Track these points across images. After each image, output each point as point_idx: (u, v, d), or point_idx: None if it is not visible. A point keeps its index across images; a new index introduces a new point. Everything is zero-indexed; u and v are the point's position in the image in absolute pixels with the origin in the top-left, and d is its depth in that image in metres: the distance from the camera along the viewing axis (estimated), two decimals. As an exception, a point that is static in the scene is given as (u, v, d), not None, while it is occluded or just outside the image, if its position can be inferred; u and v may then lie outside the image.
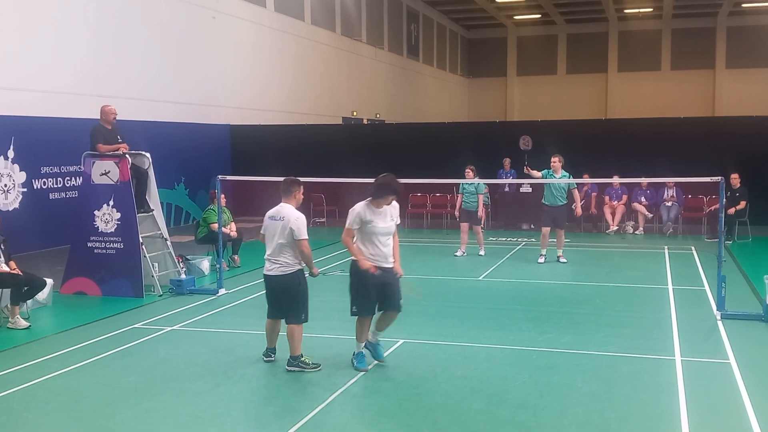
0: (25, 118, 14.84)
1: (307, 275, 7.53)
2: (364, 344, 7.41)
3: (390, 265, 7.27)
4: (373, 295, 7.24)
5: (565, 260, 13.59)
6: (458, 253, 14.25)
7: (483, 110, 46.01)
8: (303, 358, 7.32)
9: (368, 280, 7.11)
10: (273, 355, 7.62)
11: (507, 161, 19.34)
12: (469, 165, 14.12)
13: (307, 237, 7.36)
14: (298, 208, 7.54)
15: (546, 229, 13.54)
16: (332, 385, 6.81)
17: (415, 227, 19.00)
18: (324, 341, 8.41)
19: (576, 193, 13.86)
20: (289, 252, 7.30)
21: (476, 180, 13.90)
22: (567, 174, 13.52)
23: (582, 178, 15.78)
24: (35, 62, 15.33)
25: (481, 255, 14.16)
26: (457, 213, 14.68)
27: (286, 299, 7.39)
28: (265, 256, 7.41)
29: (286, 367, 7.30)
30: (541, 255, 13.56)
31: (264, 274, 7.45)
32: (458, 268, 13.15)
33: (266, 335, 7.66)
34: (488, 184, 17.32)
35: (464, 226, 14.29)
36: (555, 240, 13.65)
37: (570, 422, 5.95)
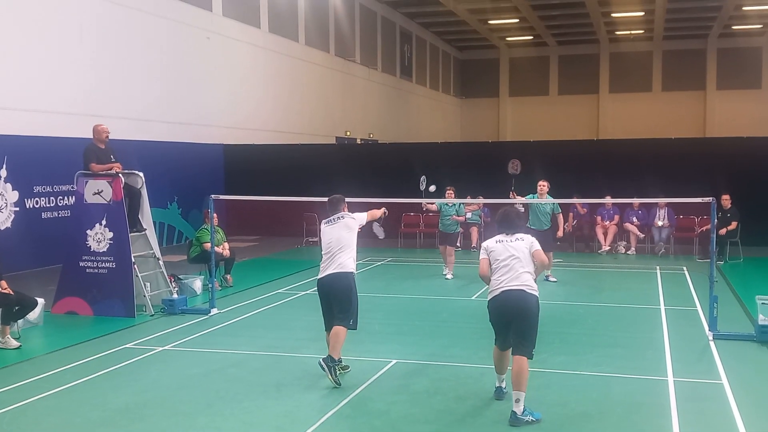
0: (18, 138, 14.83)
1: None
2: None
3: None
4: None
5: (554, 279, 13.56)
6: (449, 276, 13.99)
7: (475, 130, 46.22)
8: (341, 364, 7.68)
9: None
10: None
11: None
12: (449, 186, 13.99)
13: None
14: None
15: None
16: (324, 406, 6.79)
17: (408, 247, 19.01)
18: (316, 361, 8.37)
19: (560, 218, 13.61)
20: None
21: (457, 201, 13.89)
22: (550, 197, 13.43)
23: (572, 198, 15.83)
24: (28, 82, 15.35)
25: (448, 278, 13.93)
26: (425, 206, 14.43)
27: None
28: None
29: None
30: None
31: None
32: (450, 288, 13.15)
33: None
34: (487, 204, 17.39)
35: (442, 249, 14.24)
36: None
37: (563, 443, 5.94)
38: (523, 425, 6.28)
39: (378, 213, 8.49)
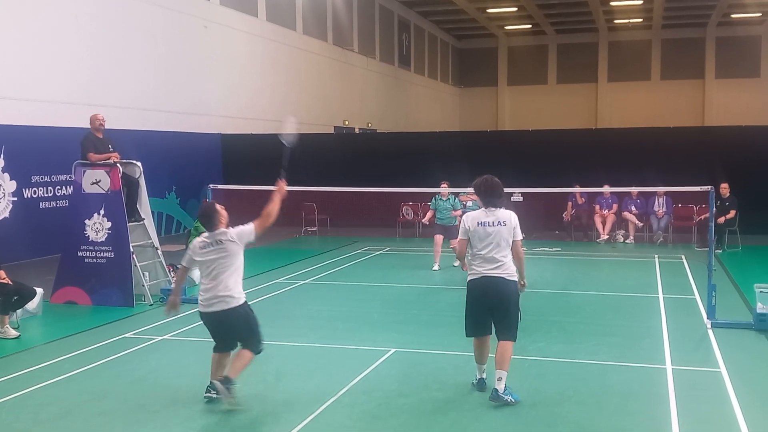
0: (16, 127, 14.80)
1: None
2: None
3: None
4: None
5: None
6: (435, 268, 13.73)
7: (474, 119, 46.18)
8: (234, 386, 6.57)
9: None
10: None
11: None
12: (444, 180, 13.74)
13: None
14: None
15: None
16: (323, 395, 6.80)
17: (406, 236, 19.01)
18: (315, 350, 8.40)
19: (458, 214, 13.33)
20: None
21: (451, 195, 13.68)
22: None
23: (573, 187, 15.83)
24: (26, 71, 15.30)
25: (456, 265, 13.75)
26: (426, 221, 14.35)
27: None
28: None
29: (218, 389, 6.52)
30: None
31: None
32: (449, 277, 13.16)
33: None
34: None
35: (438, 238, 13.87)
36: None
37: (561, 431, 5.95)
38: (502, 403, 6.43)
39: (274, 208, 7.07)
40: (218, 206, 6.88)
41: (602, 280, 13.15)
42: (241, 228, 6.76)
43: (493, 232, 6.58)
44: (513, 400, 6.49)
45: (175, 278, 6.76)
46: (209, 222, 6.72)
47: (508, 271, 6.61)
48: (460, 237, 6.79)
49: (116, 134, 12.59)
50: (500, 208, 6.71)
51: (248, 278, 12.90)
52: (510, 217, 6.66)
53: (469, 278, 6.77)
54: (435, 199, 13.94)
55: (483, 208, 6.73)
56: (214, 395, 6.55)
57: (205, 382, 7.21)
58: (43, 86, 15.68)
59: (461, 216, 14.78)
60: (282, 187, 7.24)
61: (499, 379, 6.49)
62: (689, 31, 42.58)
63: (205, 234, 6.75)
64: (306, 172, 20.04)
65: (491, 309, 6.66)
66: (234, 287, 6.56)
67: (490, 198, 6.71)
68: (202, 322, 6.75)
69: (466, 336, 6.88)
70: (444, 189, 13.56)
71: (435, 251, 13.92)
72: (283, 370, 7.64)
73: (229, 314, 6.51)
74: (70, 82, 16.37)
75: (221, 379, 6.50)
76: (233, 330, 6.63)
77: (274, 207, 6.93)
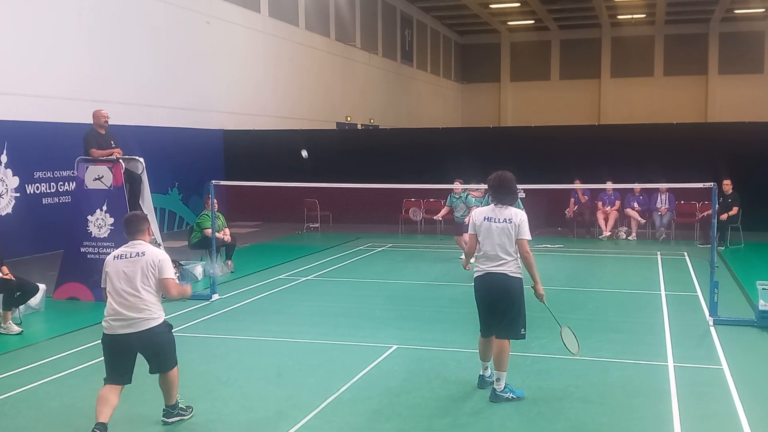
0: (18, 123, 14.80)
1: None
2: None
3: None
4: None
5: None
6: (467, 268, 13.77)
7: (476, 116, 46.14)
8: (181, 405, 6.22)
9: None
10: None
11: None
12: (458, 178, 13.68)
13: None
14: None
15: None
16: (325, 391, 6.80)
17: (408, 232, 19.01)
18: (317, 346, 8.41)
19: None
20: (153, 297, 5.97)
21: (463, 192, 13.71)
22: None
23: (574, 183, 15.81)
24: (29, 67, 15.30)
25: (462, 258, 13.85)
26: (439, 217, 14.49)
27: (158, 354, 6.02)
28: (115, 310, 5.88)
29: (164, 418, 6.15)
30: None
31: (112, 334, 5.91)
32: (451, 273, 13.15)
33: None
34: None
35: (460, 238, 13.63)
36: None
37: (563, 427, 5.96)
38: (503, 401, 6.44)
39: (184, 292, 6.34)
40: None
41: (605, 277, 13.14)
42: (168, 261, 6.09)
43: (497, 228, 6.52)
44: (514, 397, 6.50)
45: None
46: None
47: (512, 268, 6.56)
48: (469, 232, 6.79)
49: (118, 130, 12.59)
50: (511, 206, 6.65)
51: (250, 275, 13.00)
52: (516, 215, 6.58)
53: (474, 275, 6.76)
54: (450, 197, 14.12)
55: (493, 205, 6.70)
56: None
57: (206, 377, 7.23)
58: (45, 82, 15.68)
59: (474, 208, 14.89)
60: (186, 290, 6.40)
61: (498, 379, 6.51)
62: (692, 26, 42.48)
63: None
64: (308, 168, 20.14)
65: (494, 306, 6.63)
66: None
67: (499, 194, 6.65)
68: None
69: (480, 332, 6.86)
70: (457, 186, 13.61)
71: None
72: (285, 366, 7.64)
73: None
74: (73, 78, 16.37)
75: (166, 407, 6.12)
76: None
77: (180, 292, 6.17)
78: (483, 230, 6.59)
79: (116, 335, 5.84)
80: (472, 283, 6.83)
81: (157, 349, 5.95)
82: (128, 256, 5.94)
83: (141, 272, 5.86)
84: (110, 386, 5.88)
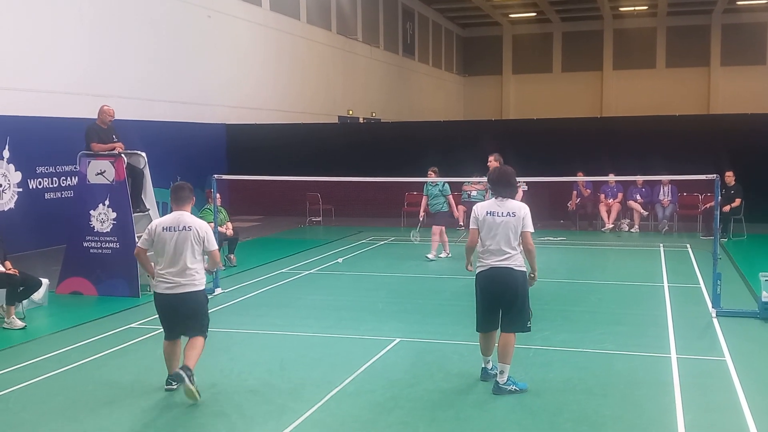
0: (21, 118, 14.81)
1: None
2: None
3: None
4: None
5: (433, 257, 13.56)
6: (430, 256, 13.60)
7: (478, 108, 46.07)
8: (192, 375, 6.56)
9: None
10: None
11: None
12: (432, 167, 13.67)
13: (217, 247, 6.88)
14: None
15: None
16: (328, 384, 6.81)
17: (411, 225, 18.99)
18: (320, 340, 8.42)
19: (519, 193, 12.26)
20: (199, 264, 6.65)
21: (439, 180, 13.51)
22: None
23: (576, 176, 15.80)
24: (30, 62, 15.30)
25: (430, 258, 13.60)
26: (422, 213, 14.21)
27: (192, 317, 6.69)
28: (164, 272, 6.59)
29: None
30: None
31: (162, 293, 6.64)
32: (454, 266, 13.16)
33: None
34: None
35: (435, 229, 13.72)
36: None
37: (566, 419, 5.96)
38: (505, 394, 6.45)
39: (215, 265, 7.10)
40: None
41: (607, 269, 13.14)
42: (210, 234, 6.74)
43: (501, 222, 6.49)
44: (517, 389, 6.51)
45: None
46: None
47: (516, 262, 6.55)
48: (471, 227, 6.73)
49: (120, 124, 12.58)
50: (511, 198, 6.65)
51: (253, 269, 13.01)
52: (520, 208, 6.56)
53: (477, 270, 6.72)
54: (426, 186, 13.93)
55: (494, 198, 6.67)
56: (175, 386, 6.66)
57: (210, 370, 7.25)
58: (47, 77, 15.68)
59: (462, 206, 14.81)
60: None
61: (501, 372, 6.53)
62: (695, 18, 42.33)
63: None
64: (310, 161, 20.15)
65: (498, 300, 6.61)
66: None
67: (500, 187, 6.64)
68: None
69: (477, 330, 6.83)
70: (432, 175, 13.46)
71: (434, 238, 13.77)
72: (288, 360, 7.66)
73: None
74: (74, 73, 16.37)
75: (183, 367, 6.47)
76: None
77: (217, 262, 6.98)
78: (486, 225, 6.55)
79: (161, 294, 6.58)
80: (474, 276, 6.81)
81: (192, 312, 6.60)
82: (176, 229, 6.54)
83: (189, 245, 6.51)
84: (168, 342, 6.73)
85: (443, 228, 13.86)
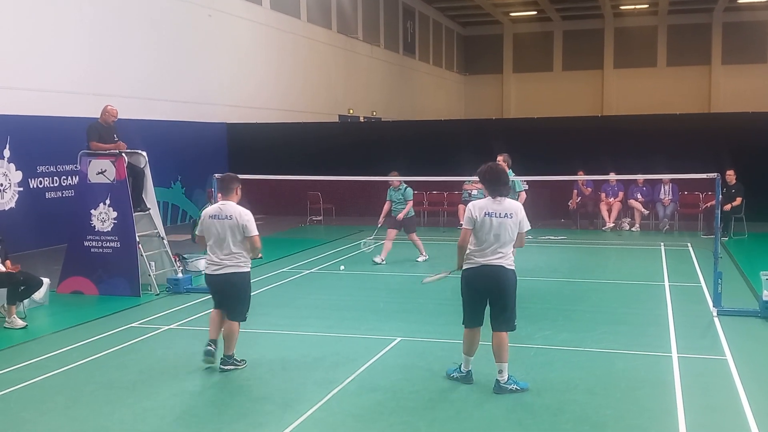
0: (21, 117, 14.81)
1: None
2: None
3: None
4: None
5: (423, 259, 13.22)
6: (377, 260, 13.27)
7: (479, 107, 46.05)
8: (235, 357, 7.37)
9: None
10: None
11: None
12: (393, 170, 13.27)
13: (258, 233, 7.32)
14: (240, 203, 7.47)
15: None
16: (329, 383, 6.82)
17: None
18: (321, 339, 8.42)
19: (523, 195, 12.12)
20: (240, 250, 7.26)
21: (403, 184, 13.19)
22: (512, 174, 12.28)
23: (577, 175, 15.79)
24: (31, 61, 15.29)
25: (419, 260, 13.37)
26: (381, 220, 13.63)
27: (233, 297, 7.33)
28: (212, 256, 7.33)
29: (222, 367, 7.26)
30: None
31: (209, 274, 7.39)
32: (454, 265, 13.12)
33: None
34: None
35: (391, 233, 13.43)
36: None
37: (567, 419, 5.96)
38: (507, 393, 6.46)
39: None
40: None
41: (608, 268, 13.14)
42: (252, 224, 7.27)
43: (499, 223, 6.47)
44: (518, 388, 6.51)
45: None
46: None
47: (509, 261, 6.56)
48: (465, 226, 6.63)
49: (121, 124, 12.58)
50: (506, 197, 6.63)
51: (253, 268, 12.95)
52: (517, 209, 6.57)
53: (465, 267, 6.67)
54: (390, 191, 13.46)
55: (489, 198, 6.60)
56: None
57: (211, 370, 7.26)
58: (47, 76, 15.68)
59: (462, 206, 14.60)
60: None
61: (501, 371, 6.54)
62: (695, 16, 42.29)
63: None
64: (311, 160, 20.14)
65: (489, 298, 6.61)
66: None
67: (496, 186, 6.58)
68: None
69: (464, 325, 6.80)
70: (394, 178, 13.13)
71: (385, 244, 13.40)
72: (289, 359, 7.66)
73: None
74: (75, 72, 16.36)
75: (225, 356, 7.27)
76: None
77: (259, 248, 7.44)
78: (484, 225, 6.49)
79: (209, 275, 7.37)
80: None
81: (232, 292, 7.28)
82: (220, 217, 7.22)
83: (231, 233, 7.16)
84: (215, 311, 7.49)
85: (413, 234, 13.51)
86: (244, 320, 7.39)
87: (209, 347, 7.29)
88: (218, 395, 6.62)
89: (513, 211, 6.53)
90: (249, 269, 7.34)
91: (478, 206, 6.59)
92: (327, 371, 7.21)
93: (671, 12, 42.08)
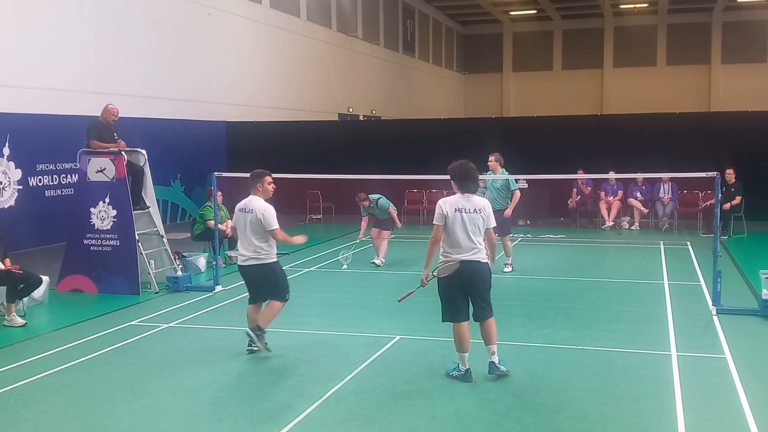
0: (21, 116, 14.80)
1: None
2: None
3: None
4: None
5: (509, 269, 12.24)
6: (377, 262, 13.03)
7: (479, 106, 46.04)
8: (266, 336, 7.72)
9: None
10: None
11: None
12: (361, 191, 13.09)
13: (277, 226, 7.63)
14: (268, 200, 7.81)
15: None
16: (328, 381, 6.82)
17: (411, 224, 19.00)
18: (321, 337, 8.42)
19: (517, 194, 12.00)
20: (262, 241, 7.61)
21: (373, 200, 12.98)
22: (505, 173, 12.14)
23: (576, 173, 15.79)
24: (31, 59, 15.29)
25: (374, 263, 13.00)
26: (361, 235, 13.35)
27: (264, 285, 7.75)
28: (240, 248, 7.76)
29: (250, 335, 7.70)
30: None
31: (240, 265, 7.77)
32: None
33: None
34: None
35: (374, 231, 13.18)
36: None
37: (566, 417, 5.96)
38: (500, 374, 6.78)
39: (287, 241, 7.84)
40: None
41: (607, 267, 13.14)
42: (271, 218, 7.65)
43: (469, 219, 6.70)
44: (506, 370, 6.78)
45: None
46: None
47: (482, 255, 6.83)
48: (437, 223, 6.80)
49: (121, 122, 12.56)
50: (474, 194, 6.90)
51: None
52: (485, 205, 6.86)
53: (447, 264, 6.79)
54: (362, 209, 13.18)
55: (459, 194, 6.82)
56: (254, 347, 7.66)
57: (210, 368, 7.27)
58: (47, 74, 15.67)
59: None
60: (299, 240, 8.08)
61: (493, 353, 6.84)
62: (695, 15, 42.30)
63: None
64: (310, 159, 20.12)
65: (470, 291, 6.82)
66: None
67: (466, 182, 6.82)
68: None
69: (445, 321, 6.92)
70: (364, 200, 12.94)
71: (380, 245, 13.19)
72: (288, 357, 7.67)
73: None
74: (75, 70, 16.36)
75: (253, 327, 7.63)
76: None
77: (291, 241, 7.89)
78: (456, 221, 6.69)
79: (240, 266, 7.76)
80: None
81: (262, 281, 7.68)
82: (245, 211, 7.64)
83: (251, 226, 7.56)
84: (251, 305, 7.88)
85: (387, 232, 13.26)
86: (286, 300, 7.76)
87: (250, 346, 7.71)
88: (217, 393, 6.62)
89: (482, 206, 6.81)
90: (273, 260, 7.67)
91: (448, 203, 6.79)
92: (326, 369, 7.22)
93: (671, 11, 42.08)
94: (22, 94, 15.00)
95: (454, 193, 6.89)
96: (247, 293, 7.97)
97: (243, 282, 11.43)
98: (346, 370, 7.15)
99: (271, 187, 7.91)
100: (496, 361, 6.79)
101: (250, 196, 7.76)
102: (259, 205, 7.62)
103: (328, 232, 17.68)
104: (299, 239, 7.96)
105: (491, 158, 12.11)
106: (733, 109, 29.05)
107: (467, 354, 6.84)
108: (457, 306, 6.80)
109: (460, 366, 6.88)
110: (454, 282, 6.76)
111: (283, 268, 11.11)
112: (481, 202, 6.85)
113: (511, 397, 6.41)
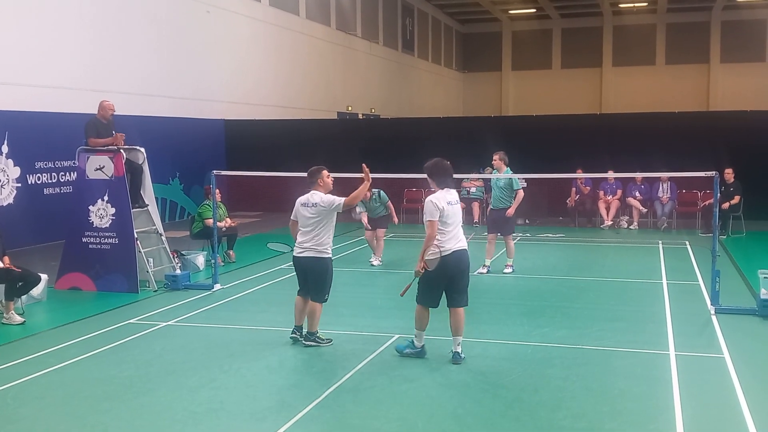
0: (19, 113, 14.79)
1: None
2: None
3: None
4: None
5: (510, 270, 12.07)
6: (375, 262, 12.96)
7: (478, 105, 46.02)
8: (318, 334, 7.96)
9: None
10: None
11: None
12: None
13: (342, 200, 7.97)
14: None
15: (489, 236, 12.12)
16: (327, 380, 6.82)
17: (410, 222, 19.00)
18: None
19: (520, 194, 11.83)
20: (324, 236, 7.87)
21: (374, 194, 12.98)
22: (509, 172, 12.01)
23: (576, 173, 15.79)
24: (29, 57, 15.27)
25: (372, 263, 12.96)
26: (367, 225, 13.11)
27: (314, 280, 7.90)
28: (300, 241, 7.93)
29: (304, 342, 7.91)
30: (483, 265, 12.01)
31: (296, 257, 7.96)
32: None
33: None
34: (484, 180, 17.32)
35: (368, 233, 13.20)
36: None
37: (564, 416, 5.97)
38: (462, 362, 7.17)
39: (361, 194, 8.34)
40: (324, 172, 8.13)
41: (606, 266, 13.14)
42: (331, 197, 7.91)
43: (455, 211, 7.27)
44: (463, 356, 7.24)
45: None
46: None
47: (466, 243, 7.34)
48: (430, 219, 7.13)
49: (120, 120, 12.57)
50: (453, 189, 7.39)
51: (252, 265, 13.00)
52: (457, 197, 7.43)
53: (442, 255, 7.10)
54: (362, 203, 12.88)
55: (440, 190, 7.28)
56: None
57: (209, 366, 7.27)
58: (46, 72, 15.65)
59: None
60: (367, 174, 8.42)
61: (459, 344, 7.27)
62: (694, 15, 42.30)
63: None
64: (309, 157, 20.08)
65: (457, 279, 7.23)
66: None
67: (445, 178, 7.35)
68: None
69: (425, 305, 7.29)
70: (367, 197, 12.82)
71: (373, 247, 13.15)
72: (287, 356, 7.67)
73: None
74: (74, 68, 16.34)
75: (305, 334, 7.93)
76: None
77: (361, 191, 8.24)
78: (450, 214, 7.16)
79: (296, 257, 7.93)
80: (472, 273, 6.96)
81: (315, 275, 7.82)
82: (307, 205, 7.90)
83: (316, 219, 7.80)
84: (300, 297, 8.07)
85: (382, 230, 13.18)
86: (325, 301, 7.92)
87: (293, 335, 8.03)
88: (216, 392, 6.62)
89: (458, 199, 7.42)
90: (329, 255, 7.88)
91: (438, 198, 7.22)
92: (324, 368, 7.22)
93: (670, 10, 42.09)
94: (21, 91, 14.98)
95: (434, 191, 7.33)
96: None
97: (241, 281, 11.62)
98: (345, 368, 7.16)
99: (330, 180, 8.15)
100: (460, 351, 7.22)
101: (311, 191, 7.98)
102: (320, 198, 7.89)
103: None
104: (364, 185, 8.29)
105: (495, 156, 12.00)
106: (732, 109, 29.08)
107: (425, 332, 7.38)
108: (436, 293, 7.28)
109: (415, 342, 7.40)
110: (448, 269, 7.13)
111: (282, 267, 11.20)
112: (456, 195, 7.39)
113: (510, 395, 6.41)
